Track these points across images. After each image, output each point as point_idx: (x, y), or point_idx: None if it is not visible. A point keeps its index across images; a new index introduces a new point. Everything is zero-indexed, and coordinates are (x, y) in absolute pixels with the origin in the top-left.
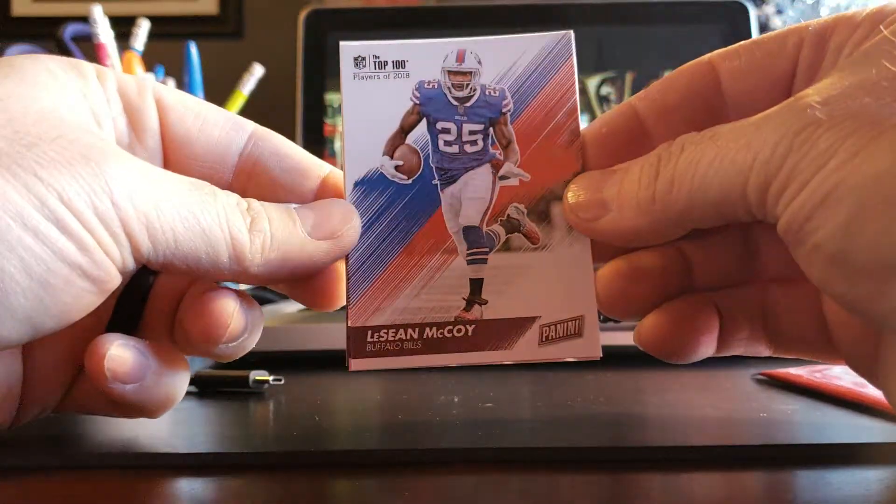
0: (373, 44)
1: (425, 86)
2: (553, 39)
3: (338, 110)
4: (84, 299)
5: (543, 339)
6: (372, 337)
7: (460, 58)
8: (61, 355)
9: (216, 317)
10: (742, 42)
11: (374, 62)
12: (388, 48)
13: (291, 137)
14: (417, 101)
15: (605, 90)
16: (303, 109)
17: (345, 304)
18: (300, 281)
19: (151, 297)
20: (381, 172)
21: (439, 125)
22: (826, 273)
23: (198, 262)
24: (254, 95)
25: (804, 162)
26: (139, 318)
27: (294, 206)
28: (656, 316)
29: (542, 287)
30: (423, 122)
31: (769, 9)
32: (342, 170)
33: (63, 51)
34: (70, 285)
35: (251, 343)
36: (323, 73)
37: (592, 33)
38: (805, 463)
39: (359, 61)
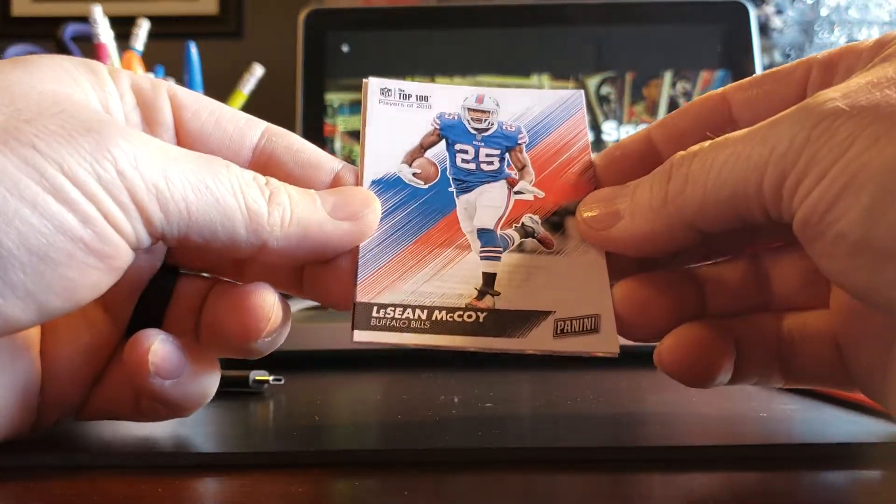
0: (398, 81)
1: (445, 116)
2: (565, 95)
3: (337, 110)
4: (90, 277)
5: (558, 332)
6: (378, 313)
7: (479, 100)
8: (80, 359)
9: (256, 309)
10: (753, 76)
11: (399, 93)
12: (413, 85)
13: None
14: (438, 127)
15: (605, 90)
16: (303, 109)
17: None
18: (316, 274)
19: (173, 299)
20: (399, 176)
21: (457, 146)
22: (848, 263)
23: (214, 234)
24: (254, 95)
25: (823, 151)
26: (161, 321)
27: (314, 191)
28: (675, 338)
29: (556, 286)
30: (443, 143)
31: (769, 9)
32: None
33: (63, 51)
34: (72, 260)
35: (282, 339)
36: (323, 73)
37: (592, 33)
38: (805, 463)
39: (385, 91)
